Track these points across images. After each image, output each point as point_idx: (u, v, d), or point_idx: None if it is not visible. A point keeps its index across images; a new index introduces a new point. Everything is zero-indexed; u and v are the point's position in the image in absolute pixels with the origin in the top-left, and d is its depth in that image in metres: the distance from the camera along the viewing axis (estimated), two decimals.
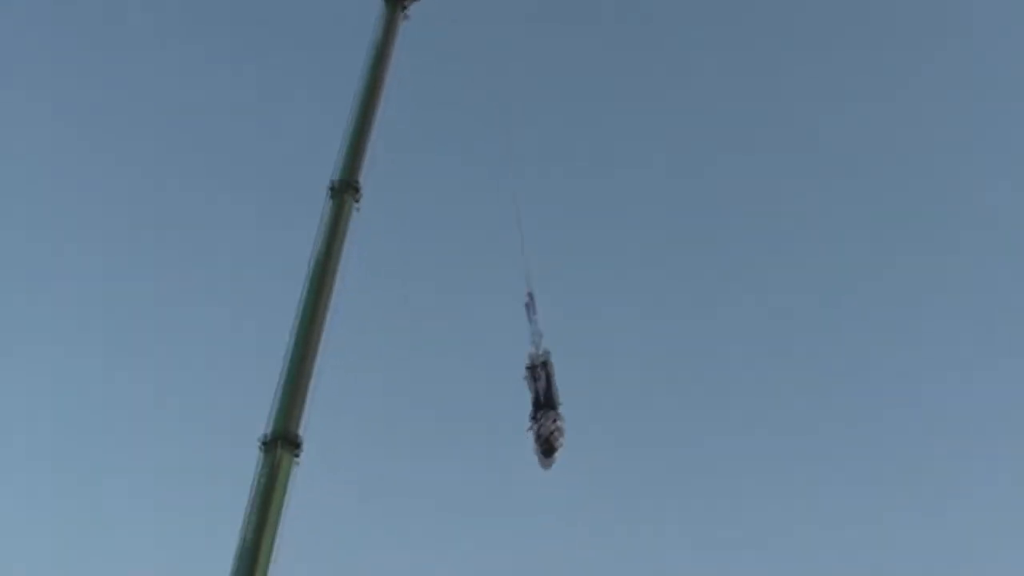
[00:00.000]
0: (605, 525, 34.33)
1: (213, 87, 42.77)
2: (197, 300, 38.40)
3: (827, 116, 45.06)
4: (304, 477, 14.45)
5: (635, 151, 44.74)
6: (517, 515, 33.86)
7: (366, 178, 17.34)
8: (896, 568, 33.31)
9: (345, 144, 17.45)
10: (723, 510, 36.03)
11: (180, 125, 41.15)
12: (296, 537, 14.15)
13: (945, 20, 45.17)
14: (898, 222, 42.39)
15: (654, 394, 39.93)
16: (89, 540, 32.32)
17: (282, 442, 14.37)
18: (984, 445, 37.50)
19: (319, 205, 16.87)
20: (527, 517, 33.23)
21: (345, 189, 16.85)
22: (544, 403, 13.00)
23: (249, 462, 14.46)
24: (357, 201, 16.83)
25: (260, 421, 14.77)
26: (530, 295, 13.67)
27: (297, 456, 14.46)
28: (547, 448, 12.71)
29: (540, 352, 13.20)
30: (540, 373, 13.12)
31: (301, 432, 14.63)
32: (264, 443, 14.45)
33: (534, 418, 12.89)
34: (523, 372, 13.17)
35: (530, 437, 12.91)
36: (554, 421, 12.67)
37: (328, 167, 17.32)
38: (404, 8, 19.25)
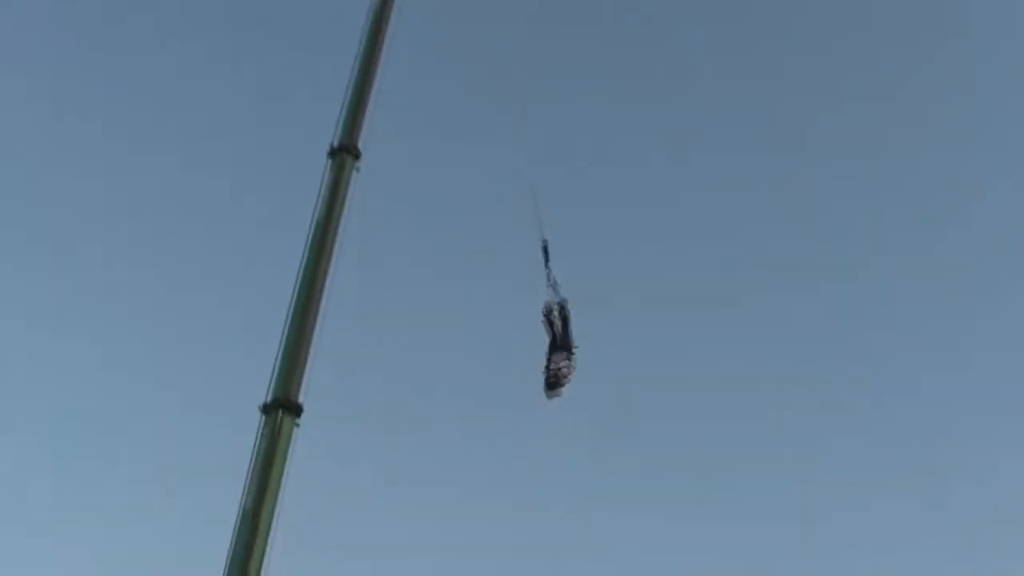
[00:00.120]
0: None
1: (213, 86, 42.54)
2: (197, 297, 37.99)
3: (831, 115, 44.75)
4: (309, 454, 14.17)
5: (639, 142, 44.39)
6: (524, 498, 33.54)
7: (365, 144, 17.06)
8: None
9: (344, 108, 17.18)
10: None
11: (178, 124, 40.82)
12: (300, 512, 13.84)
13: (945, 20, 44.80)
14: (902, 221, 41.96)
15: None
16: (86, 538, 31.95)
17: (283, 407, 14.02)
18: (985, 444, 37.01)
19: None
20: (534, 498, 32.90)
21: (345, 150, 16.57)
22: (560, 346, 13.27)
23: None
24: (357, 160, 16.54)
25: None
26: (545, 242, 13.89)
27: (298, 422, 14.11)
28: (553, 382, 13.07)
29: (556, 299, 13.41)
30: (556, 318, 13.36)
31: (302, 399, 14.28)
32: (264, 408, 14.09)
33: (548, 358, 13.15)
34: (540, 318, 13.49)
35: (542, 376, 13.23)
36: (566, 359, 13.01)
37: None
38: None
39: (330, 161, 16.50)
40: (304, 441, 14.03)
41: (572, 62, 44.73)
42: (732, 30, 46.70)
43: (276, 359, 14.64)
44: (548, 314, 13.72)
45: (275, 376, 14.46)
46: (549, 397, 13.36)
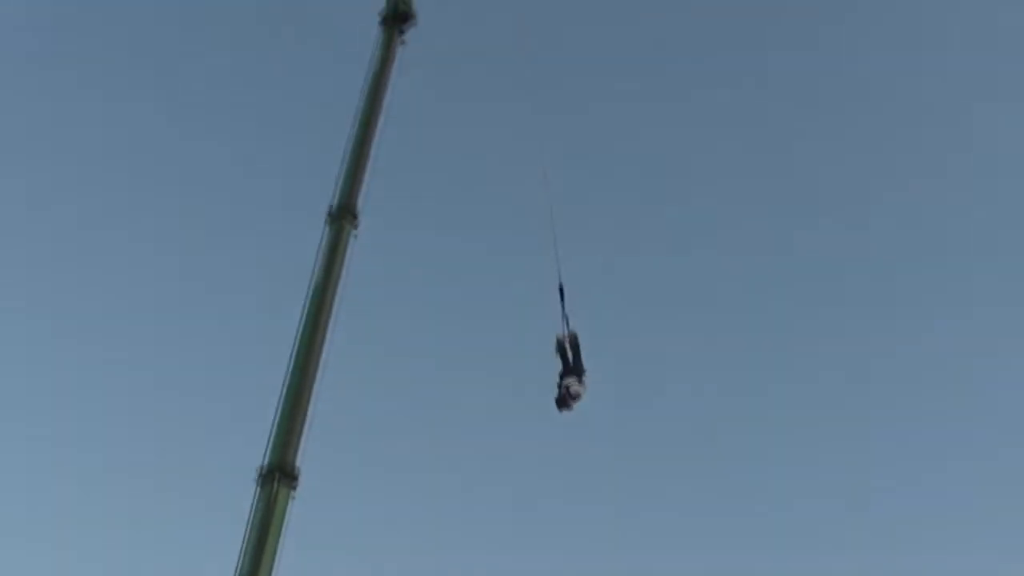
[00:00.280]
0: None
1: (209, 144, 42.78)
2: (200, 303, 38.14)
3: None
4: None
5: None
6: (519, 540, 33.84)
7: (364, 203, 17.23)
8: None
9: (343, 169, 17.35)
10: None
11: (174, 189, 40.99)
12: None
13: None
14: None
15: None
16: (85, 544, 32.13)
17: (279, 475, 14.15)
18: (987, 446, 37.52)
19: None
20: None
21: (343, 215, 16.73)
22: (572, 371, 14.82)
23: (248, 460, 14.51)
24: (355, 227, 16.71)
25: (262, 422, 14.90)
26: (561, 286, 15.56)
27: (294, 489, 14.25)
28: (564, 400, 14.61)
29: (568, 333, 15.14)
30: (567, 346, 14.99)
31: (299, 463, 14.45)
32: (260, 475, 14.24)
33: (560, 380, 14.80)
34: (553, 348, 15.08)
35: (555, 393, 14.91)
36: (577, 382, 14.64)
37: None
38: (401, 33, 19.25)
39: (328, 226, 16.66)
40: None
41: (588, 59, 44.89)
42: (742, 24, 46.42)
43: (273, 424, 14.73)
44: (560, 345, 15.13)
45: (271, 441, 14.55)
46: (560, 411, 14.79)
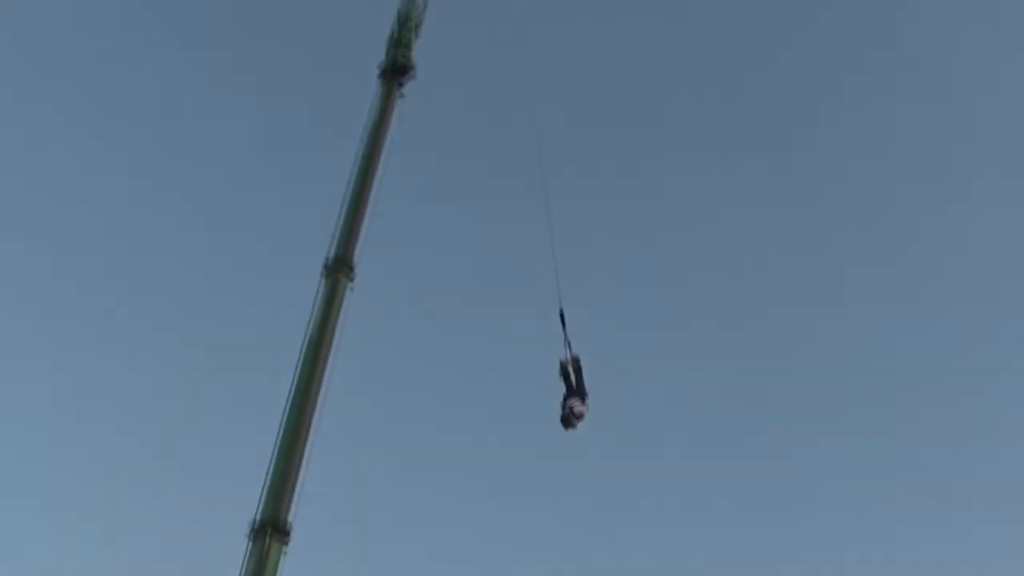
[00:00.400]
0: None
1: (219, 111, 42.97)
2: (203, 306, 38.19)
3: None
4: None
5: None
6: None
7: (360, 256, 17.26)
8: None
9: (340, 221, 17.37)
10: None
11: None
12: None
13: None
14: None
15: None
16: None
17: (271, 530, 14.17)
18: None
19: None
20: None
21: (339, 268, 16.75)
22: (575, 392, 15.23)
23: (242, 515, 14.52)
24: (351, 280, 16.72)
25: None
26: (562, 311, 15.91)
27: (286, 544, 14.27)
28: (568, 419, 15.00)
29: (570, 357, 15.51)
30: (570, 369, 15.33)
31: (292, 519, 14.46)
32: (252, 530, 14.24)
33: (564, 401, 15.20)
34: (557, 372, 15.43)
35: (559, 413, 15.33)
36: (580, 403, 15.06)
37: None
38: (400, 86, 19.36)
39: (324, 278, 16.69)
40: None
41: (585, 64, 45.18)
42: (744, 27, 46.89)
43: (266, 477, 14.74)
44: (564, 368, 15.47)
45: (264, 496, 14.56)
46: (565, 430, 15.17)
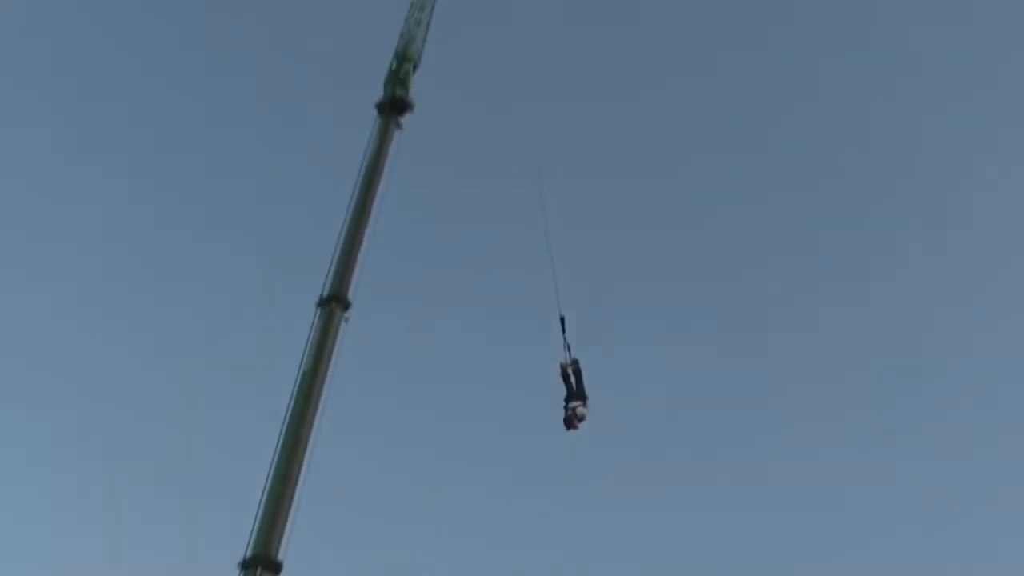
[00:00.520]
0: None
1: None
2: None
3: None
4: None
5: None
6: None
7: (356, 291, 17.08)
8: None
9: (335, 257, 17.18)
10: None
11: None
12: None
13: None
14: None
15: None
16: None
17: (261, 568, 13.96)
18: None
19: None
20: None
21: (334, 301, 16.56)
22: (575, 395, 15.75)
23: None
24: (346, 311, 16.53)
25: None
26: (562, 317, 16.52)
27: None
28: (570, 420, 15.62)
29: (570, 360, 16.06)
30: (570, 372, 15.94)
31: (283, 555, 14.23)
32: (242, 567, 14.03)
33: (566, 403, 15.80)
34: (557, 374, 16.05)
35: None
36: (583, 406, 15.65)
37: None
38: (399, 125, 19.26)
39: (319, 310, 16.52)
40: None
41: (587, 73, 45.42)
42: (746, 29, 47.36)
43: (257, 513, 14.52)
44: (564, 371, 16.08)
45: (255, 531, 14.34)
46: (568, 431, 15.77)
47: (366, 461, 35.29)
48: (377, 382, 36.40)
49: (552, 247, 17.85)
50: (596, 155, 46.86)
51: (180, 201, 43.02)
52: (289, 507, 14.55)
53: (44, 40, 42.97)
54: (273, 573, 14.02)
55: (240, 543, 14.44)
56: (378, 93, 19.92)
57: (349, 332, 16.44)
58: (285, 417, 15.39)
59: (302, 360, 16.05)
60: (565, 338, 16.33)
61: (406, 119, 19.58)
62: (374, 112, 19.60)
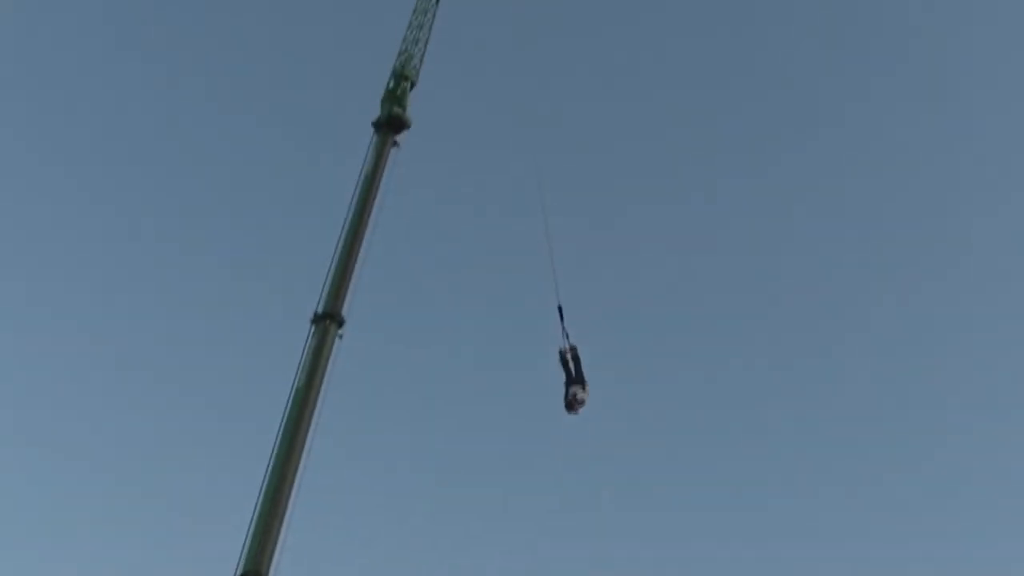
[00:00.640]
0: None
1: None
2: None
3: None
4: None
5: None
6: None
7: (350, 307, 17.10)
8: None
9: (329, 275, 17.13)
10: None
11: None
12: None
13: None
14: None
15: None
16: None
17: None
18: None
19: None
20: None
21: (328, 318, 16.53)
22: (575, 380, 16.26)
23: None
24: (340, 327, 16.51)
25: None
26: (560, 306, 17.09)
27: None
28: (571, 404, 16.12)
29: (569, 347, 16.58)
30: (568, 358, 16.45)
31: (272, 573, 14.23)
32: None
33: (567, 389, 16.28)
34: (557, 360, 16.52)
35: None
36: (582, 391, 16.14)
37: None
38: (396, 144, 19.24)
39: (313, 327, 16.48)
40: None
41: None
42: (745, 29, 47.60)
43: (248, 531, 14.50)
44: (563, 357, 16.59)
45: (246, 548, 14.31)
46: (568, 414, 16.26)
47: (361, 467, 35.19)
48: (375, 386, 36.38)
49: (551, 239, 18.47)
50: (596, 155, 47.18)
51: (181, 201, 42.98)
52: (280, 525, 14.51)
53: (43, 40, 43.00)
54: None
55: (234, 551, 14.56)
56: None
57: (345, 338, 16.55)
58: (277, 433, 15.32)
59: (295, 377, 16.04)
60: (563, 326, 16.88)
61: (403, 137, 19.55)
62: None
